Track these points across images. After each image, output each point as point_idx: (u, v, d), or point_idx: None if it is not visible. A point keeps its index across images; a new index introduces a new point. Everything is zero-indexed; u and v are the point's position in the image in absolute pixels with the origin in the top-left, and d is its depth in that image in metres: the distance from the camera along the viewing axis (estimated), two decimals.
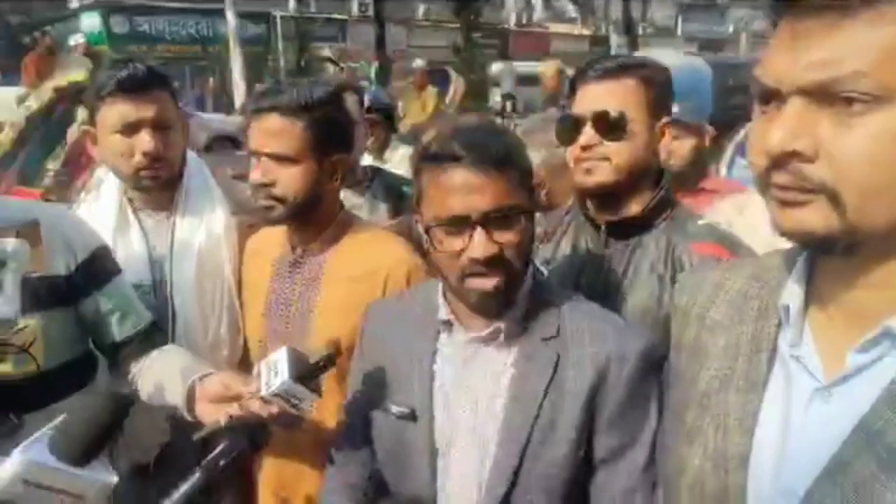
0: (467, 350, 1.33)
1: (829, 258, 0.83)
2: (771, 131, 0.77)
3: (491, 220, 1.22)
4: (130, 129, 1.79)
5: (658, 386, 1.24)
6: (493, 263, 1.23)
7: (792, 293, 0.88)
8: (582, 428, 1.25)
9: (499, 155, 1.22)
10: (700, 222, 1.63)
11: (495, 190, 1.21)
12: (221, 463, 1.13)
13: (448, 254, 1.24)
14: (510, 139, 1.32)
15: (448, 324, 1.35)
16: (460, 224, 1.22)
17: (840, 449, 0.79)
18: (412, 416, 1.34)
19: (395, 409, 1.36)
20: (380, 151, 4.06)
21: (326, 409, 1.71)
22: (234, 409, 1.30)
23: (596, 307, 1.37)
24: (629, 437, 1.26)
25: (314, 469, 1.68)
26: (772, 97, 0.79)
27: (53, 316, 1.52)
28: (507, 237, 1.23)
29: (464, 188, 1.22)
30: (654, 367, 1.25)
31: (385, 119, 4.06)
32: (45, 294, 1.50)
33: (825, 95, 0.74)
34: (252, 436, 1.21)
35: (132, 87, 1.78)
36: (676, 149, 3.01)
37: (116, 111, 1.78)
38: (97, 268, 1.61)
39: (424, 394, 1.34)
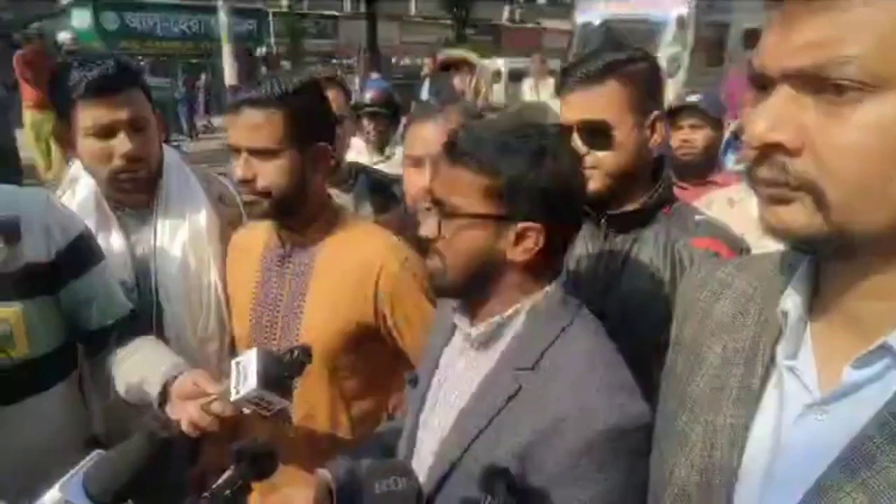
0: (462, 344, 1.31)
1: (833, 261, 0.77)
2: (755, 121, 0.70)
3: (439, 210, 1.19)
4: (105, 131, 1.73)
5: (623, 473, 1.05)
6: (430, 251, 1.22)
7: (792, 299, 0.81)
8: (518, 461, 1.11)
9: (475, 153, 1.15)
10: (699, 217, 1.61)
11: (451, 184, 1.17)
12: (227, 493, 1.10)
13: None
14: (512, 147, 1.15)
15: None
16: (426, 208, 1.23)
17: (826, 472, 0.72)
18: (414, 382, 1.38)
19: (413, 374, 1.42)
20: (380, 147, 4.01)
21: (317, 407, 1.70)
22: (196, 412, 1.31)
23: (594, 350, 1.17)
24: None
25: (306, 467, 1.64)
26: (767, 83, 0.72)
27: (36, 304, 1.49)
28: (445, 230, 1.18)
29: (436, 173, 1.22)
30: (612, 451, 1.06)
31: (388, 111, 4.01)
32: (27, 282, 1.47)
33: (813, 82, 0.67)
34: (259, 464, 1.19)
35: (104, 89, 1.70)
36: (693, 138, 2.98)
37: (89, 115, 1.71)
38: (79, 253, 1.58)
39: (430, 364, 1.35)
